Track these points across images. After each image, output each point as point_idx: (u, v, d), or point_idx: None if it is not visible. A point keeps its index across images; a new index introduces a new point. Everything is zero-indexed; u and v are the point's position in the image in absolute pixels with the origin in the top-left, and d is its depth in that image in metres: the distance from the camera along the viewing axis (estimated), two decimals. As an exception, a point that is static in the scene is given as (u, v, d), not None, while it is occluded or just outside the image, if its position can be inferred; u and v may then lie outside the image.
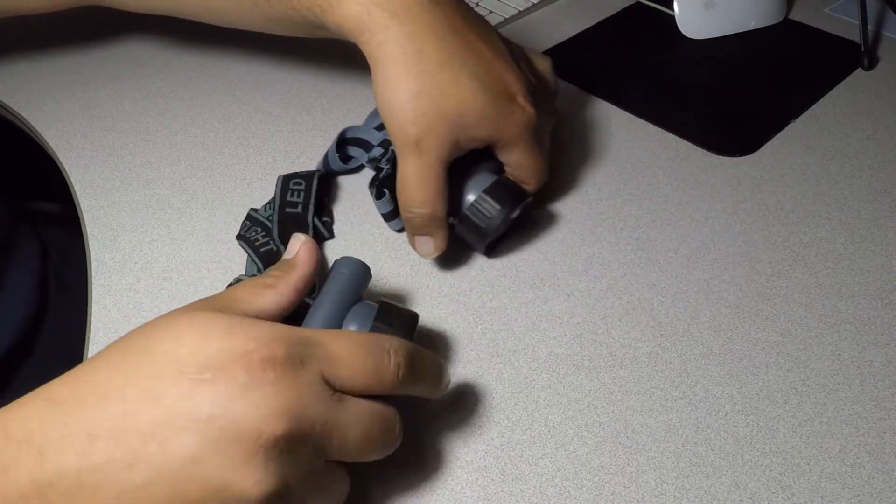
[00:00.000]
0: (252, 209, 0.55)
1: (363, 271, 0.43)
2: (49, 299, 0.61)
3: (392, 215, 0.53)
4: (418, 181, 0.46)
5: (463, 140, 0.46)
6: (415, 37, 0.45)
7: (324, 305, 0.41)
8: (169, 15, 0.60)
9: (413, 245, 0.50)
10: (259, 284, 0.37)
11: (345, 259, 0.43)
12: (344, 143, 0.58)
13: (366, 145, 0.58)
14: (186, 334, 0.31)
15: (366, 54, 0.46)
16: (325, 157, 0.58)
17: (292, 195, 0.54)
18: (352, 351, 0.34)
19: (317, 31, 0.51)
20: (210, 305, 0.35)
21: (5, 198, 0.60)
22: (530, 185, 0.51)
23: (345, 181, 0.59)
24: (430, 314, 0.50)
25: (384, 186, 0.51)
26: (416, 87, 0.44)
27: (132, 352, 0.32)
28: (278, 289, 0.37)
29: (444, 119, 0.45)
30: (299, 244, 0.39)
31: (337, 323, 0.40)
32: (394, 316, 0.41)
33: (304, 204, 0.54)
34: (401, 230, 0.54)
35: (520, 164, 0.50)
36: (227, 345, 0.31)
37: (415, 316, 0.42)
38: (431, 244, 0.48)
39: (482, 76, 0.46)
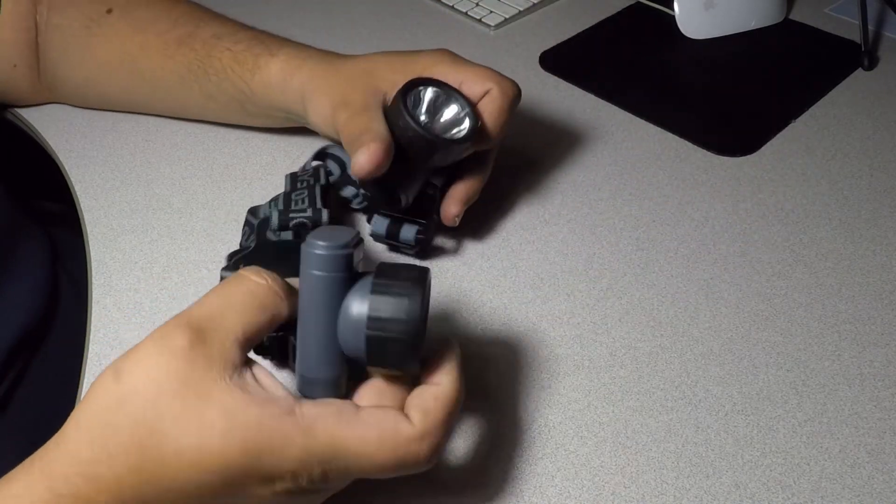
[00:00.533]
0: (250, 210, 0.51)
1: (341, 263, 0.34)
2: (60, 294, 0.61)
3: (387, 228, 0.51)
4: (352, 120, 0.48)
5: (382, 85, 0.50)
6: (324, 59, 0.53)
7: (308, 340, 0.34)
8: (126, 111, 0.65)
9: (354, 167, 0.46)
10: (256, 306, 0.33)
11: (313, 254, 0.33)
12: (324, 155, 0.55)
13: (345, 167, 0.55)
14: (203, 447, 0.30)
15: (297, 93, 0.53)
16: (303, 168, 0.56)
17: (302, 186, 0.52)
18: (376, 468, 0.33)
19: (245, 107, 0.57)
20: (202, 353, 0.31)
21: (11, 196, 0.60)
22: (495, 84, 0.50)
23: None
24: (430, 315, 0.50)
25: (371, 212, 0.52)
26: (328, 74, 0.52)
27: (152, 459, 0.31)
28: (276, 309, 0.34)
29: (356, 80, 0.50)
30: None
31: (334, 346, 0.34)
32: (392, 292, 0.34)
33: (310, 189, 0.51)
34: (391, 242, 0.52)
35: (462, 73, 0.50)
36: (248, 467, 0.31)
37: (419, 276, 0.34)
38: (366, 151, 0.45)
39: (390, 54, 0.53)
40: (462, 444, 0.43)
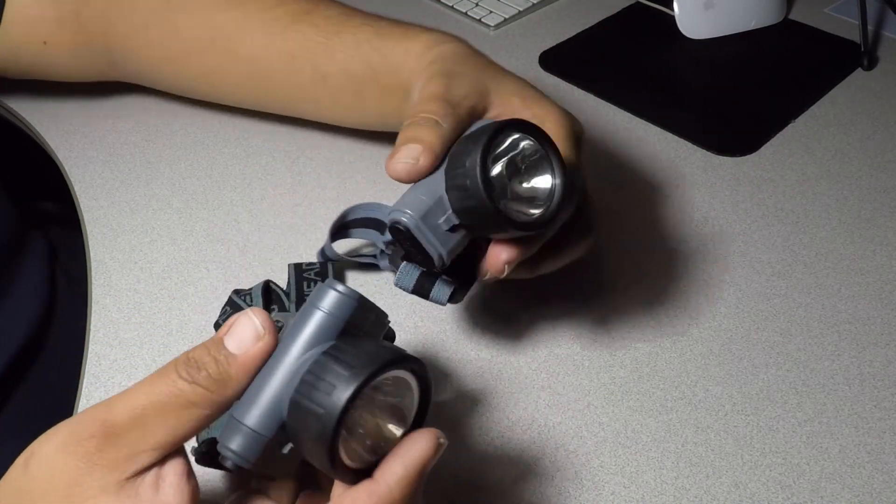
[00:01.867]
0: (235, 291, 0.48)
1: (350, 309, 0.30)
2: (58, 296, 0.61)
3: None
4: (431, 103, 0.41)
5: (492, 98, 0.45)
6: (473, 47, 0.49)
7: (263, 381, 0.30)
8: (204, 97, 0.61)
9: (390, 165, 0.39)
10: (179, 404, 0.29)
11: (328, 290, 0.30)
12: (345, 227, 0.49)
13: (380, 227, 0.48)
14: None
15: (427, 62, 0.47)
16: (322, 250, 0.49)
17: (308, 286, 0.48)
18: None
19: (363, 88, 0.51)
20: (108, 457, 0.29)
21: (14, 201, 0.60)
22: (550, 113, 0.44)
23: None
24: (430, 314, 0.50)
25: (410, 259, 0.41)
26: (468, 51, 0.48)
27: None
28: (202, 411, 0.29)
29: (477, 76, 0.45)
30: (254, 336, 0.30)
31: (280, 405, 0.30)
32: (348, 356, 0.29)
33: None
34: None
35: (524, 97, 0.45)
36: None
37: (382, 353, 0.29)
38: (412, 157, 0.39)
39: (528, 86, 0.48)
40: (462, 444, 0.43)
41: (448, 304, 0.42)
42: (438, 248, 0.38)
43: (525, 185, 0.38)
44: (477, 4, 0.79)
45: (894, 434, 0.43)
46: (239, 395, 0.30)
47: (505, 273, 0.39)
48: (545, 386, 0.46)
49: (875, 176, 0.60)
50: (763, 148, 0.62)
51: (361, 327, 0.31)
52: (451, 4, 0.79)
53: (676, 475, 0.42)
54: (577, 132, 0.43)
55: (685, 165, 0.61)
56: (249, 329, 0.30)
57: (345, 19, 0.52)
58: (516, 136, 0.38)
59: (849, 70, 0.70)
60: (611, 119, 0.65)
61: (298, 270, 0.50)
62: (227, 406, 0.30)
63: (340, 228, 0.49)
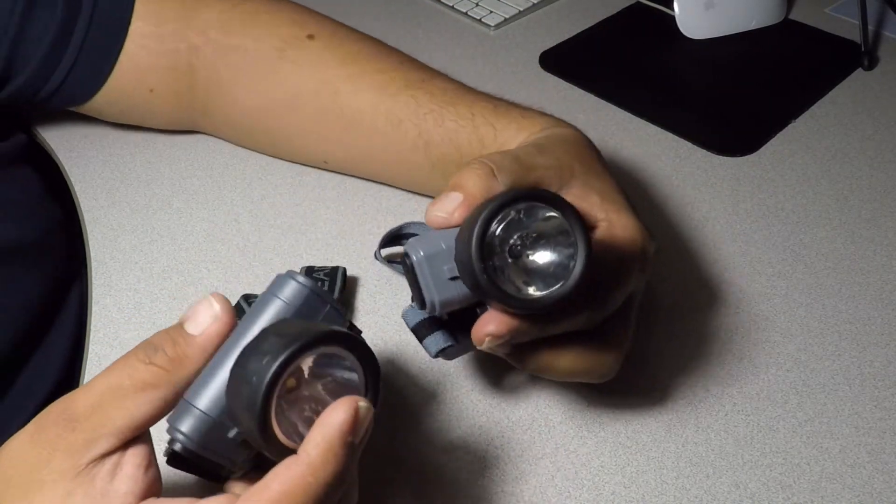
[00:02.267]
0: (244, 296, 0.48)
1: (302, 297, 0.31)
2: (87, 307, 0.61)
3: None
4: (496, 157, 0.40)
5: (556, 180, 0.42)
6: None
7: (218, 362, 0.31)
8: (287, 157, 0.60)
9: (432, 209, 0.38)
10: (135, 386, 0.30)
11: (287, 279, 0.32)
12: (401, 237, 0.50)
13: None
14: None
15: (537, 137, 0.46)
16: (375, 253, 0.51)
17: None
18: None
19: (463, 161, 0.49)
20: (68, 443, 0.30)
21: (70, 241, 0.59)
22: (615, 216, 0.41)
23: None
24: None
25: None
26: (565, 132, 0.46)
27: None
28: (159, 392, 0.30)
29: (554, 150, 0.43)
30: (211, 317, 0.32)
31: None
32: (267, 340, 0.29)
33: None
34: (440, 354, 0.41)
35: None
36: None
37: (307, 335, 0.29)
38: (446, 205, 0.37)
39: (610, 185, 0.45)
40: (462, 444, 0.43)
41: (438, 358, 0.40)
42: (433, 293, 0.36)
43: (537, 259, 0.35)
44: (477, 4, 0.79)
45: (894, 434, 0.43)
46: (195, 375, 0.31)
47: (484, 346, 0.36)
48: (545, 386, 0.46)
49: (875, 176, 0.60)
50: (763, 148, 0.62)
51: (314, 318, 0.32)
52: (451, 4, 0.79)
53: (676, 475, 0.42)
54: (645, 250, 0.40)
55: (685, 165, 0.61)
56: (208, 312, 0.32)
57: (462, 92, 0.51)
58: (547, 210, 0.34)
59: (849, 70, 0.70)
60: (611, 119, 0.65)
61: (309, 273, 0.50)
62: (184, 387, 0.31)
63: (396, 237, 0.51)
